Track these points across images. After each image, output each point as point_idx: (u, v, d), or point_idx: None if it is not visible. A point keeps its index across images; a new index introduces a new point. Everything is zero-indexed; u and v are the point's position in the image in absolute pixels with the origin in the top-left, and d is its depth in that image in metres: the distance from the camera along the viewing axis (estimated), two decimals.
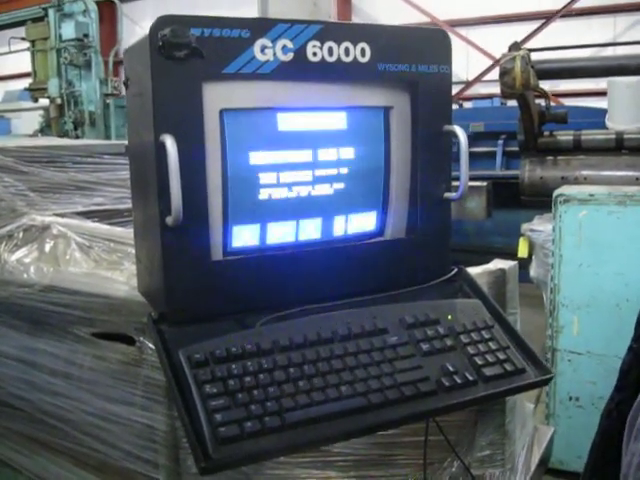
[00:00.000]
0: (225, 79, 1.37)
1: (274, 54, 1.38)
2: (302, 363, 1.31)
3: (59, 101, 9.07)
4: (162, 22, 1.30)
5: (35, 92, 9.86)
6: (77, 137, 8.67)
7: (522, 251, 3.89)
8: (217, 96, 1.37)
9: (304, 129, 1.49)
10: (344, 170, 1.54)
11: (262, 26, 1.38)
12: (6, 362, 2.16)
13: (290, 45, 1.40)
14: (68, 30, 8.88)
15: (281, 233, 1.51)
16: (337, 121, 1.53)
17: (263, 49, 1.37)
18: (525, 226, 3.94)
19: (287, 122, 1.46)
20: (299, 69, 1.42)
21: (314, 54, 1.42)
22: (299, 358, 1.32)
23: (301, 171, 1.49)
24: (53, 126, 9.15)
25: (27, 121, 11.17)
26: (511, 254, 3.57)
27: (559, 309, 3.26)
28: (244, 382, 1.24)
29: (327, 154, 1.51)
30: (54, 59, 9.10)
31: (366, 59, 1.48)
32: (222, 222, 1.42)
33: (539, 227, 3.81)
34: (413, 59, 1.53)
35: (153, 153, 1.33)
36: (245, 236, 1.47)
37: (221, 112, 1.38)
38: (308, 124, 1.49)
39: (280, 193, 1.47)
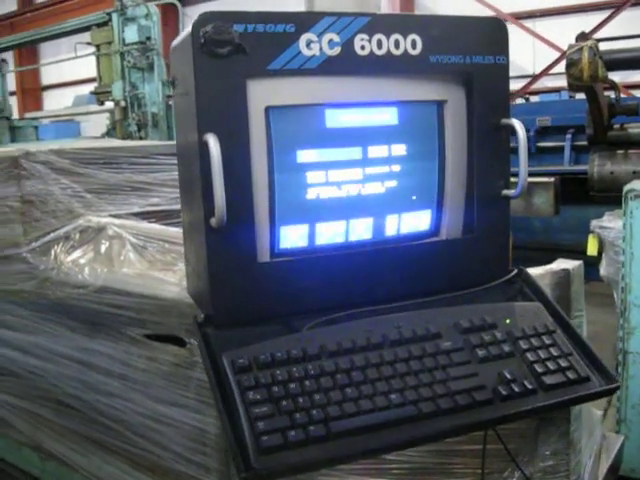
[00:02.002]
0: (270, 75, 1.33)
1: (320, 49, 1.34)
2: (350, 369, 1.26)
3: (123, 104, 9.24)
4: (204, 19, 1.27)
5: (100, 95, 10.09)
6: (141, 138, 8.83)
7: (592, 249, 3.73)
8: (262, 93, 1.34)
9: (353, 125, 1.44)
10: (396, 167, 1.49)
11: (307, 20, 1.34)
12: (63, 362, 2.19)
13: (337, 39, 1.35)
14: (131, 34, 9.05)
15: (331, 233, 1.46)
16: (388, 116, 1.47)
17: (309, 44, 1.33)
18: (595, 223, 3.77)
19: (335, 118, 1.42)
20: (347, 63, 1.37)
21: (362, 47, 1.37)
22: (347, 364, 1.27)
23: (350, 169, 1.44)
24: (118, 128, 9.35)
25: (96, 124, 11.49)
26: (580, 252, 3.43)
27: (631, 309, 3.10)
28: (289, 389, 1.21)
29: (378, 151, 1.46)
30: (118, 62, 9.29)
31: (417, 51, 1.42)
32: (269, 223, 1.39)
33: (609, 224, 3.64)
34: (467, 50, 1.46)
35: (197, 153, 1.31)
36: (293, 237, 1.43)
37: (266, 109, 1.35)
38: (357, 120, 1.44)
39: (329, 192, 1.43)
